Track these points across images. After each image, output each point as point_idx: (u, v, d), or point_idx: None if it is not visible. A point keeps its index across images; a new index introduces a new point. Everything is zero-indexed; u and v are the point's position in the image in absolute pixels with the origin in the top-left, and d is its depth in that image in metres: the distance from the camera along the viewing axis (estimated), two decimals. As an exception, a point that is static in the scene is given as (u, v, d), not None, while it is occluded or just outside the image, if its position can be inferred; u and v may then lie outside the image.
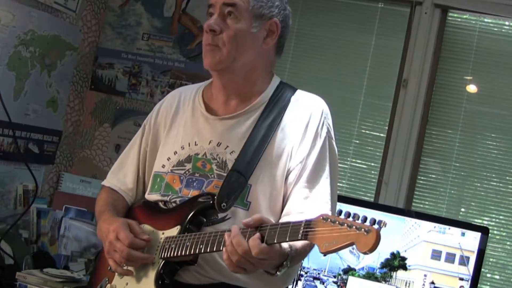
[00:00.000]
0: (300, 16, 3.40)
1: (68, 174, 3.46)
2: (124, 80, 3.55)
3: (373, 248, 1.40)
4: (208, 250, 1.69)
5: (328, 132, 1.90)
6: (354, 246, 1.42)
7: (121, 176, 2.06)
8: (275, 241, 1.56)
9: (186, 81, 3.45)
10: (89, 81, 3.59)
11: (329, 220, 1.48)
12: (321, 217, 1.49)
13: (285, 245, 1.63)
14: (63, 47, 3.31)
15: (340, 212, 1.48)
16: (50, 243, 3.10)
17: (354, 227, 1.43)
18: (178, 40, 3.51)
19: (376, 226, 1.42)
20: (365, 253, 1.42)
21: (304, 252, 1.76)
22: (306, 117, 1.89)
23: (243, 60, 1.88)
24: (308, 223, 1.51)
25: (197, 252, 1.72)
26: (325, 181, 1.85)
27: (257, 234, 1.57)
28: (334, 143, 1.93)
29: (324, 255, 1.48)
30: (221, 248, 1.65)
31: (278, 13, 1.91)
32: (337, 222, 1.46)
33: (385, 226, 1.42)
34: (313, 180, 1.84)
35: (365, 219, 1.44)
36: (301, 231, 1.51)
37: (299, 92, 1.97)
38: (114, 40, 3.58)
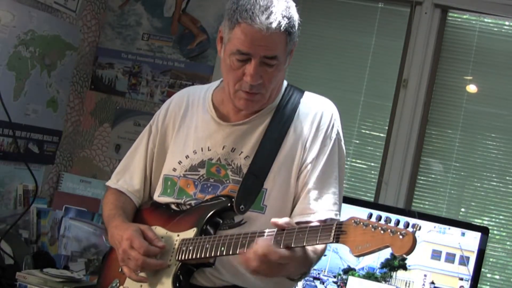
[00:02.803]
0: (300, 16, 3.38)
1: (68, 174, 3.46)
2: (124, 80, 3.55)
3: (409, 251, 1.42)
4: (230, 253, 1.68)
5: (338, 134, 1.93)
6: (389, 249, 1.44)
7: (127, 178, 2.03)
8: (304, 244, 1.57)
9: (186, 81, 3.45)
10: (89, 81, 3.59)
11: (361, 223, 1.49)
12: (352, 220, 1.50)
13: (310, 253, 1.64)
14: (63, 47, 3.31)
15: (370, 215, 1.50)
16: (50, 243, 3.10)
17: (388, 230, 1.45)
18: (178, 40, 3.51)
19: (410, 229, 1.43)
20: (400, 256, 1.44)
21: (318, 259, 1.78)
22: (316, 120, 1.90)
23: (275, 90, 1.90)
24: (339, 226, 1.52)
25: (218, 254, 1.71)
26: (334, 182, 1.86)
27: (273, 239, 1.58)
28: (343, 144, 1.95)
29: (357, 258, 1.52)
30: (245, 251, 1.64)
31: (298, 35, 1.89)
32: (370, 226, 1.47)
33: (419, 229, 1.44)
34: (322, 181, 1.85)
35: (397, 222, 1.45)
36: (332, 234, 1.52)
37: (307, 94, 1.98)
38: (114, 40, 3.58)
